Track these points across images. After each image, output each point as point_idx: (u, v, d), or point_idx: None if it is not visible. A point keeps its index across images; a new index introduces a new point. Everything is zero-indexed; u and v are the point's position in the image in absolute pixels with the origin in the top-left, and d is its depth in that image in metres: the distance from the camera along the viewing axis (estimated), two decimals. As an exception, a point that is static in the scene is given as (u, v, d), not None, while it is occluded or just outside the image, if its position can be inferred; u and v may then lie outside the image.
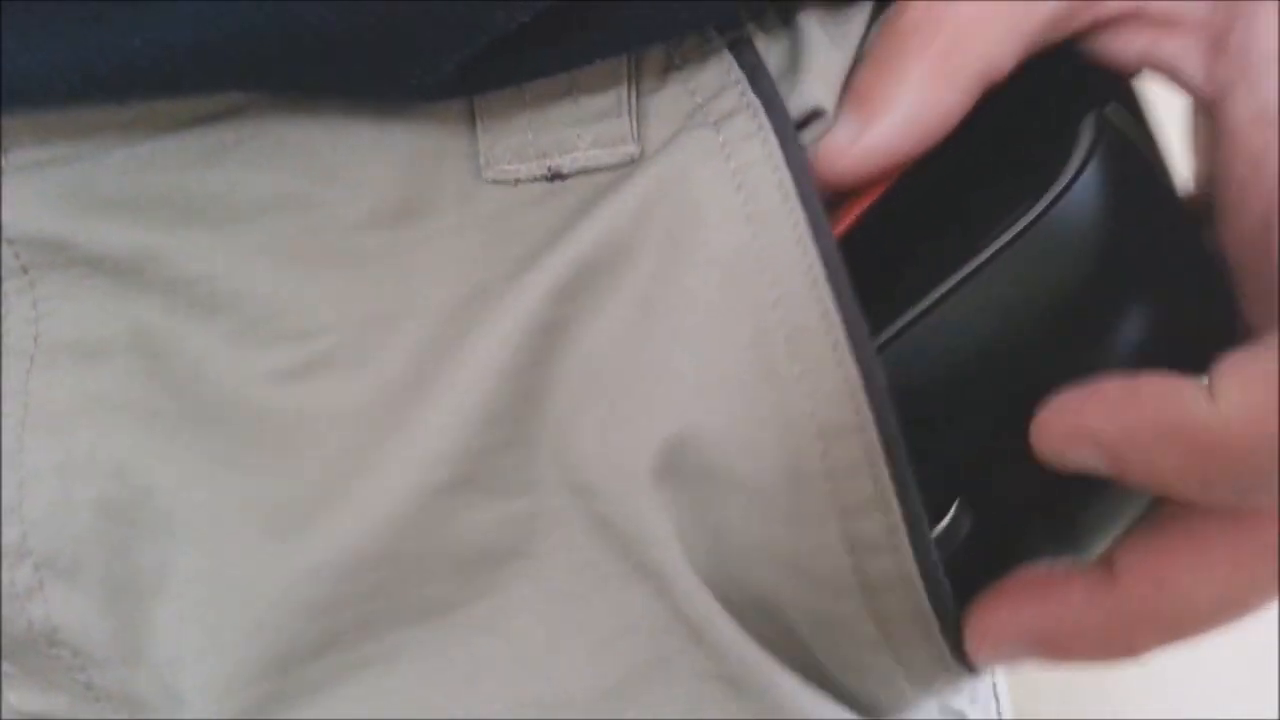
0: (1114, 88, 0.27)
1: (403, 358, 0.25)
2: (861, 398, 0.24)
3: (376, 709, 0.25)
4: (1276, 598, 0.25)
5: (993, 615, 0.26)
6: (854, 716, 0.28)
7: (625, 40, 0.24)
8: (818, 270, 0.24)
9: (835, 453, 0.25)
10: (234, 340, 0.25)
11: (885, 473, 0.24)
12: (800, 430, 0.25)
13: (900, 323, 0.25)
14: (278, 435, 0.25)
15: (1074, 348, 0.25)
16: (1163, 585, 0.24)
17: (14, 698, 0.27)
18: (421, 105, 0.25)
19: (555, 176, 0.25)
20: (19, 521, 0.25)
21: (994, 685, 0.35)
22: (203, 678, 0.25)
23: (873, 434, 0.24)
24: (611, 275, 0.25)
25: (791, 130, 0.25)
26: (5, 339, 0.26)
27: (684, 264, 0.25)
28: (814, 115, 0.26)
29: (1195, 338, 0.26)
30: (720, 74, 0.26)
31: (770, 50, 0.26)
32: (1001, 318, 0.25)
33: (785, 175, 0.25)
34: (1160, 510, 0.26)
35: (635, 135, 0.25)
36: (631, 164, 0.25)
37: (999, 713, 0.35)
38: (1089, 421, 0.24)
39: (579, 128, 0.25)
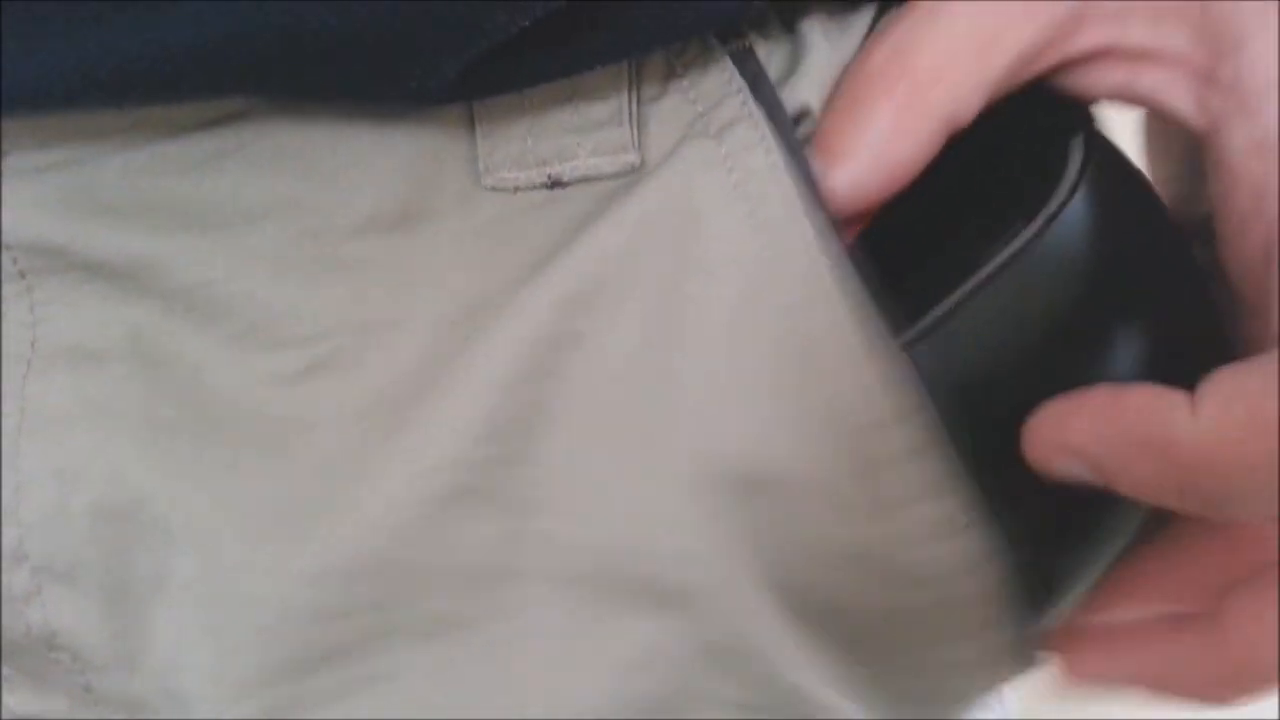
0: (1083, 110, 0.28)
1: (403, 364, 0.25)
2: (898, 389, 0.25)
3: None
4: None
5: (1098, 658, 0.27)
6: None
7: (626, 46, 0.24)
8: (829, 277, 0.25)
9: (895, 440, 0.25)
10: (233, 345, 0.25)
11: (950, 451, 0.25)
12: (855, 424, 0.25)
13: (899, 343, 0.25)
14: (277, 440, 0.25)
15: (1070, 366, 0.26)
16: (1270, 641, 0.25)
17: (12, 700, 0.27)
18: (421, 111, 0.25)
19: (555, 184, 0.25)
20: (16, 525, 0.25)
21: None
22: (211, 682, 0.25)
23: (929, 415, 0.25)
24: (618, 292, 0.25)
25: (794, 139, 0.25)
26: (2, 343, 0.26)
27: (693, 278, 0.25)
28: (803, 115, 0.26)
29: (1187, 350, 0.26)
30: (721, 83, 0.25)
31: (772, 57, 0.26)
32: (999, 339, 0.25)
33: (789, 185, 0.25)
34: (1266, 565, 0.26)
35: (636, 144, 0.25)
36: (632, 173, 0.25)
37: (1004, 713, 0.35)
38: (1071, 433, 0.24)
39: (579, 136, 0.25)
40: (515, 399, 0.25)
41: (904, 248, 0.25)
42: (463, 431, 0.24)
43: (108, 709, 0.26)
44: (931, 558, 0.25)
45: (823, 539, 0.25)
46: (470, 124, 0.25)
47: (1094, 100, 0.27)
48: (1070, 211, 0.25)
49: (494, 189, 0.25)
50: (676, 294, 0.25)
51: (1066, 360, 0.26)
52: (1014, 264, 0.25)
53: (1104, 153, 0.27)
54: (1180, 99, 0.26)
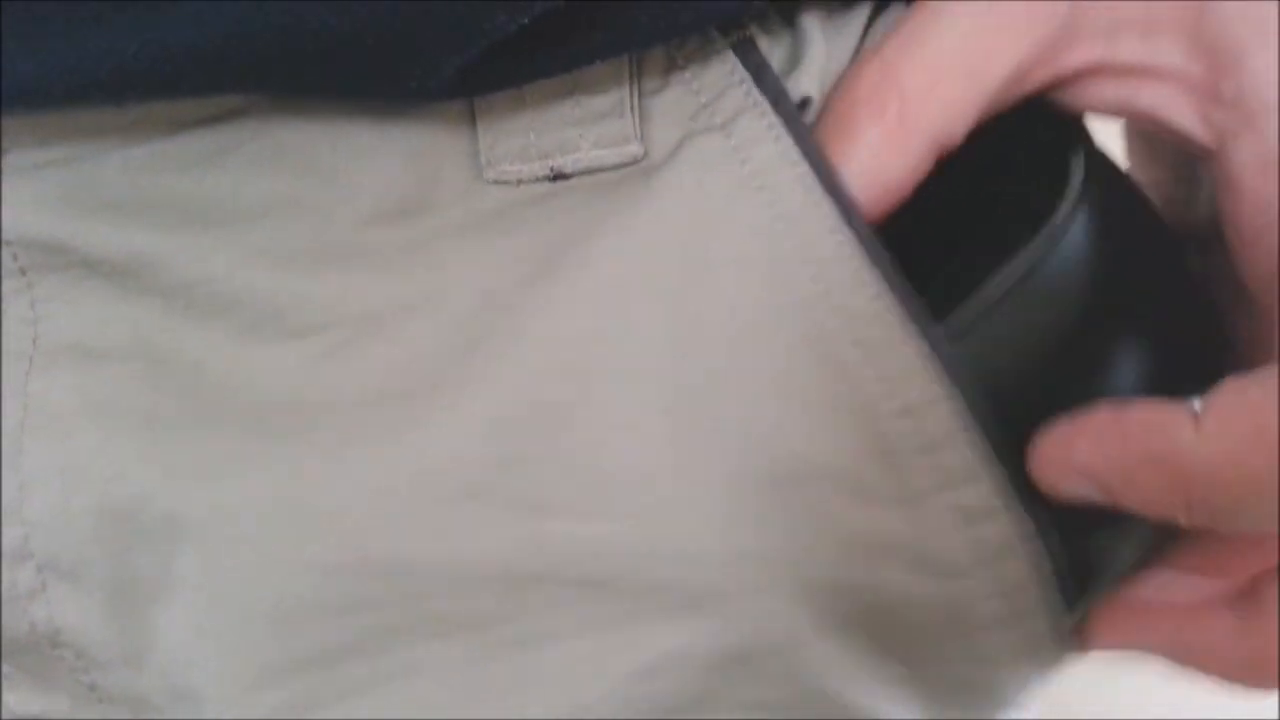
0: (1080, 125, 0.28)
1: (411, 357, 0.25)
2: (938, 367, 0.25)
3: (408, 718, 0.25)
4: None
5: (1123, 623, 0.27)
6: None
7: (626, 41, 0.24)
8: (859, 256, 0.25)
9: (924, 427, 0.25)
10: (236, 340, 0.25)
11: (978, 437, 0.25)
12: (882, 413, 0.25)
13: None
14: (284, 434, 0.25)
15: (1076, 377, 0.26)
16: None
17: (13, 699, 0.27)
18: (421, 107, 0.25)
19: (558, 177, 0.25)
20: (20, 523, 0.25)
21: None
22: (222, 679, 0.25)
23: (957, 402, 0.25)
24: (636, 291, 0.25)
25: (802, 124, 0.25)
26: (3, 340, 0.26)
27: (717, 275, 0.25)
28: (803, 105, 0.26)
29: (1189, 359, 0.27)
30: (724, 74, 0.25)
31: (773, 51, 0.26)
32: (1003, 354, 0.25)
33: (804, 169, 0.25)
34: None
35: (638, 134, 0.25)
36: (634, 163, 0.25)
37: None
38: (1076, 454, 0.25)
39: (581, 128, 0.25)
40: (530, 398, 0.25)
41: (905, 264, 0.25)
42: (475, 429, 0.24)
43: (111, 707, 0.26)
44: (962, 545, 0.25)
45: (851, 532, 0.25)
46: (471, 119, 0.25)
47: (1092, 115, 0.27)
48: (1073, 226, 0.25)
49: (496, 182, 0.25)
50: (698, 291, 0.25)
51: (1072, 372, 0.26)
52: (1019, 279, 0.25)
53: (1103, 168, 0.27)
54: (1182, 115, 0.26)
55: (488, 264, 0.25)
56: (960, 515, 0.25)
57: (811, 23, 0.27)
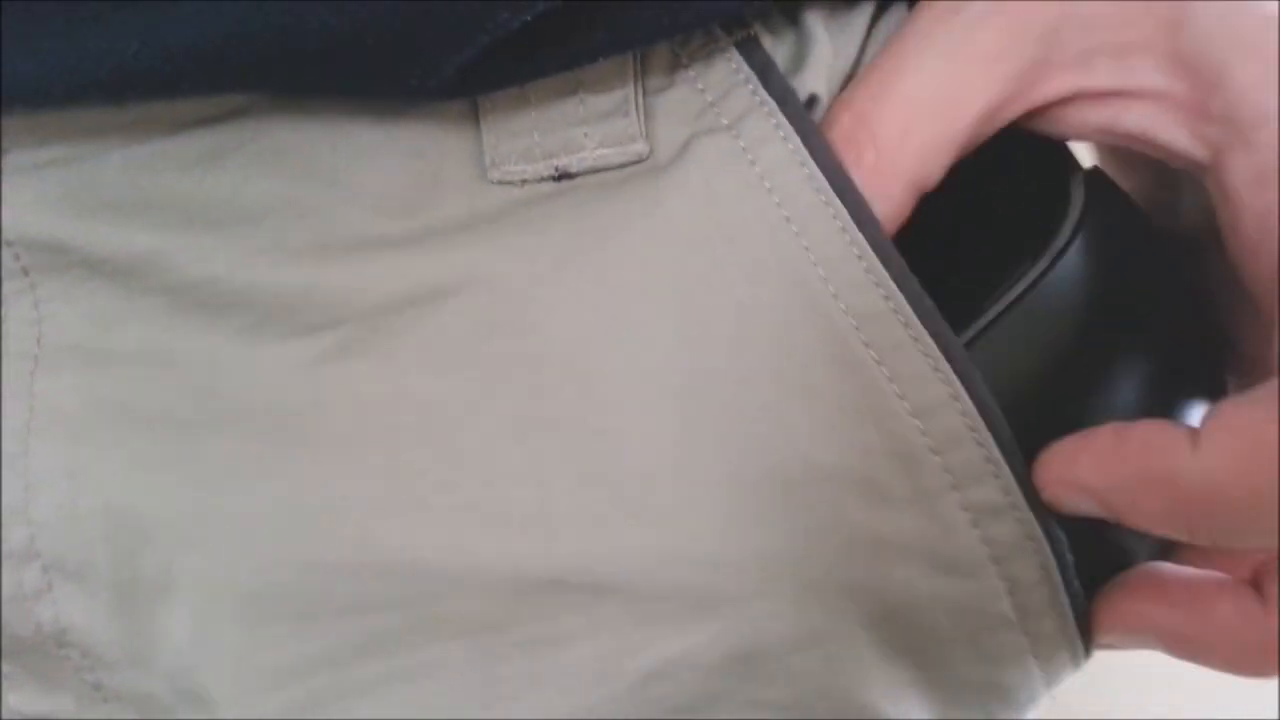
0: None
1: (415, 357, 0.25)
2: (947, 368, 0.25)
3: (417, 718, 0.25)
4: None
5: (1128, 605, 0.27)
6: None
7: (628, 40, 0.24)
8: (869, 255, 0.25)
9: (935, 427, 0.25)
10: (240, 339, 0.25)
11: (988, 436, 0.25)
12: (894, 413, 0.25)
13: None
14: (296, 432, 0.25)
15: (1078, 395, 0.26)
16: None
17: (14, 699, 0.27)
18: (423, 106, 0.25)
19: (563, 176, 0.25)
20: (26, 524, 0.25)
21: None
22: (235, 678, 0.25)
23: (968, 401, 0.25)
24: (647, 296, 0.25)
25: (811, 124, 0.25)
26: (6, 341, 0.26)
27: (726, 276, 0.25)
28: (810, 103, 0.26)
29: (1190, 375, 0.27)
30: (729, 72, 0.25)
31: (777, 50, 0.26)
32: (1007, 374, 0.26)
33: (814, 169, 0.25)
34: None
35: (643, 133, 0.25)
36: (640, 162, 0.25)
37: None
38: (1078, 472, 0.25)
39: (585, 127, 0.25)
40: (537, 399, 0.25)
41: None
42: (482, 430, 0.24)
43: (117, 707, 0.26)
44: (972, 545, 0.25)
45: (861, 533, 0.25)
46: (474, 119, 0.25)
47: (1077, 140, 0.28)
48: (1074, 246, 0.26)
49: (500, 182, 0.25)
50: (707, 292, 0.25)
51: (1074, 388, 0.26)
52: (1022, 298, 0.26)
53: (1104, 187, 0.27)
54: (1172, 132, 0.26)
55: (493, 262, 0.25)
56: (970, 515, 0.25)
57: (815, 21, 0.27)
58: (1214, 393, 0.27)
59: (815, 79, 0.26)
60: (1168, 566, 0.27)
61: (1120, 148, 0.29)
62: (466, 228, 0.25)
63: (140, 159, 0.25)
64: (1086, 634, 0.27)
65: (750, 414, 0.25)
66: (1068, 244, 0.26)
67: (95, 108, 0.25)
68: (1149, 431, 0.25)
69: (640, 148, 0.25)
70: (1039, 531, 0.26)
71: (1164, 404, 0.26)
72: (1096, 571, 0.27)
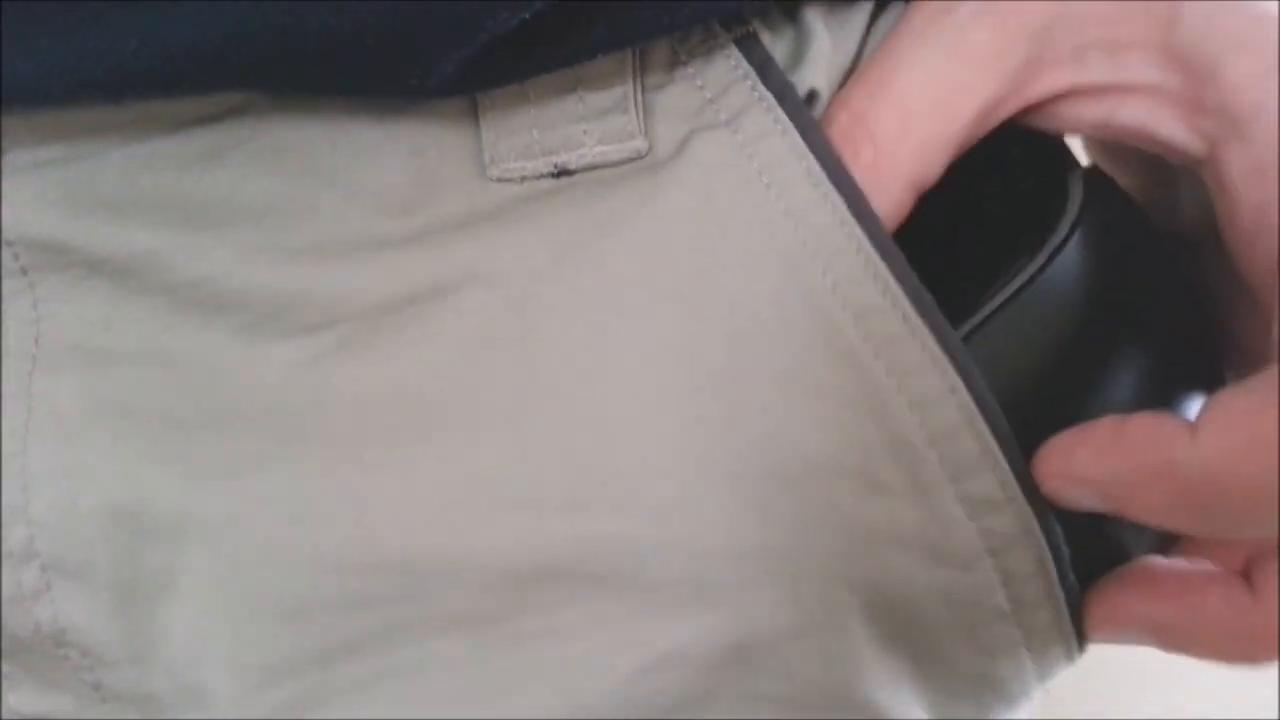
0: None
1: (414, 354, 0.25)
2: (945, 361, 0.25)
3: (411, 715, 0.25)
4: None
5: (1119, 601, 0.27)
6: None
7: (627, 37, 0.24)
8: (868, 249, 0.25)
9: (933, 419, 0.25)
10: (240, 338, 0.25)
11: (985, 429, 0.25)
12: (891, 405, 0.25)
13: None
14: (296, 429, 0.25)
15: (1075, 391, 0.26)
16: None
17: (14, 699, 0.27)
18: (423, 104, 0.25)
19: (562, 173, 0.25)
20: (25, 524, 0.25)
21: None
22: (230, 674, 0.25)
23: (964, 394, 0.25)
24: (646, 290, 0.25)
25: (809, 119, 0.25)
26: (5, 340, 0.26)
27: (726, 270, 0.25)
28: (810, 98, 0.26)
29: (1188, 371, 0.27)
30: (728, 69, 0.25)
31: (776, 46, 0.26)
32: (1004, 370, 0.26)
33: (812, 163, 0.25)
34: None
35: (642, 130, 0.25)
36: (639, 158, 0.25)
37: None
38: (1078, 464, 0.25)
39: (585, 124, 0.25)
40: (538, 394, 0.25)
41: None
42: (482, 426, 0.24)
43: (118, 707, 0.26)
44: (969, 537, 0.26)
45: (859, 525, 0.25)
46: (474, 116, 0.25)
47: (1074, 134, 0.28)
48: (1072, 242, 0.26)
49: (499, 179, 0.25)
50: (707, 287, 0.25)
51: (1071, 384, 0.26)
52: (1018, 294, 0.26)
53: (1102, 185, 0.27)
54: (1168, 126, 0.26)
55: (492, 260, 0.25)
56: (967, 506, 0.25)
57: (814, 18, 0.27)
58: (1211, 388, 0.27)
59: (815, 74, 0.26)
60: (1160, 560, 0.28)
61: (1116, 145, 0.29)
62: (466, 225, 0.25)
63: (139, 158, 0.25)
64: (1080, 628, 0.27)
65: (747, 406, 0.25)
66: (1065, 240, 0.26)
67: (94, 107, 0.25)
68: (1148, 424, 0.25)
69: (639, 144, 0.25)
70: (1035, 525, 0.26)
71: (1161, 399, 0.26)
72: (1093, 566, 0.27)
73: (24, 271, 0.26)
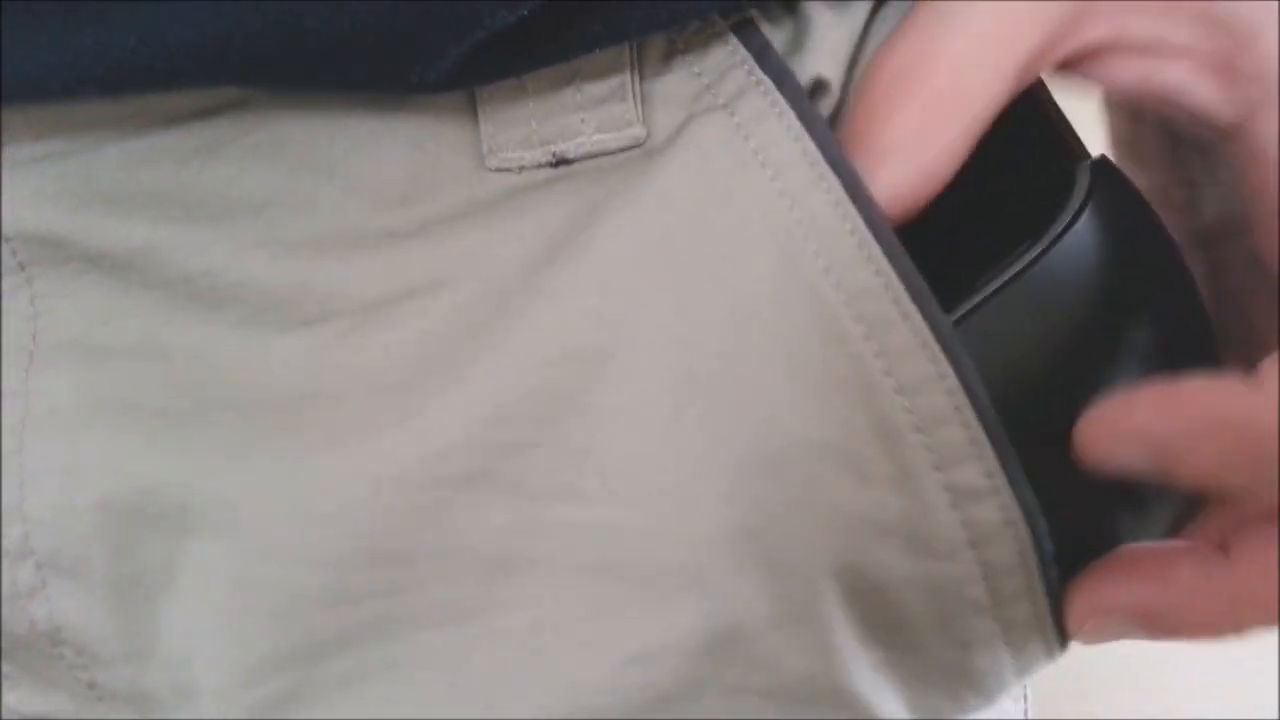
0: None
1: (415, 342, 0.25)
2: (935, 347, 0.25)
3: (398, 710, 0.25)
4: None
5: (1098, 590, 0.27)
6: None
7: (624, 32, 0.24)
8: (862, 231, 0.25)
9: (921, 405, 0.25)
10: (239, 331, 0.25)
11: (973, 417, 0.25)
12: (880, 390, 0.25)
13: None
14: (289, 422, 0.25)
15: (1071, 380, 0.26)
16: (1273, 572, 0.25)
17: (13, 698, 0.27)
18: (421, 98, 0.25)
19: (560, 162, 0.25)
20: (21, 521, 0.25)
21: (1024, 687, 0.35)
22: (219, 669, 0.25)
23: (953, 381, 0.25)
24: (643, 274, 0.25)
25: (807, 101, 0.25)
26: (3, 337, 0.26)
27: (722, 253, 0.25)
28: (818, 87, 0.26)
29: (1181, 364, 0.27)
30: (725, 55, 0.25)
31: (774, 36, 0.26)
32: (1003, 353, 0.26)
33: (809, 144, 0.25)
34: None
35: (640, 118, 0.25)
36: (637, 146, 0.25)
37: (1025, 713, 0.35)
38: (1138, 420, 0.25)
39: (583, 113, 0.25)
40: (533, 383, 0.25)
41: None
42: (477, 416, 0.24)
43: (113, 706, 0.26)
44: (952, 527, 0.25)
45: (846, 512, 0.25)
46: (471, 108, 0.25)
47: (1113, 94, 0.28)
48: (1076, 229, 0.26)
49: (498, 169, 0.25)
50: (703, 271, 0.25)
51: (1069, 371, 0.26)
52: (1018, 281, 0.26)
53: (1109, 174, 0.27)
54: (1203, 91, 0.26)
55: (490, 250, 0.25)
56: (951, 495, 0.25)
57: (814, 8, 0.27)
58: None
59: (819, 61, 0.26)
60: (1135, 545, 0.27)
61: (1133, 147, 0.29)
62: (464, 216, 0.25)
63: (138, 152, 0.25)
64: (1062, 624, 0.27)
65: (738, 388, 0.25)
66: (1066, 228, 0.26)
67: (91, 102, 0.25)
68: (1204, 380, 0.24)
69: (637, 132, 0.25)
70: (1019, 517, 0.25)
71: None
72: (1079, 561, 0.27)
73: (22, 267, 0.26)
